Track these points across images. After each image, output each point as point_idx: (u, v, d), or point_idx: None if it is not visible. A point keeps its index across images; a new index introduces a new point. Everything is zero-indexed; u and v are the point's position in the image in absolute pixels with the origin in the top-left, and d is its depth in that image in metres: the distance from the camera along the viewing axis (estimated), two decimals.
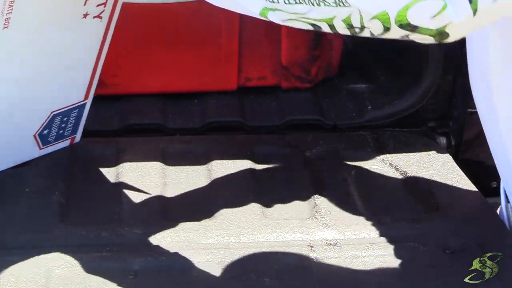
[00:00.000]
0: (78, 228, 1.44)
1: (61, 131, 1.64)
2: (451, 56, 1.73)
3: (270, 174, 1.62)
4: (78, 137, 1.70)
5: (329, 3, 1.08)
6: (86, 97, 1.62)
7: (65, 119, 1.62)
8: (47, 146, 1.65)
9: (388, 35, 1.12)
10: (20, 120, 1.56)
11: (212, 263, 1.36)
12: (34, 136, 1.60)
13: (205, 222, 1.47)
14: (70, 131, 1.66)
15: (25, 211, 1.48)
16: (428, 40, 1.08)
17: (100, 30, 1.53)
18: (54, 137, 1.64)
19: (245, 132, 1.80)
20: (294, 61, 1.92)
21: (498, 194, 1.66)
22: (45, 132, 1.61)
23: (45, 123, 1.59)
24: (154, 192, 1.55)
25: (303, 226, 1.46)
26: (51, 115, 1.59)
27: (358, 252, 1.39)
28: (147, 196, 1.54)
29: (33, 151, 1.63)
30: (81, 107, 1.64)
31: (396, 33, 1.11)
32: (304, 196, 1.55)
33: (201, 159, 1.66)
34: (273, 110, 1.88)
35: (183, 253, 1.38)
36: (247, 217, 1.48)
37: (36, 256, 1.36)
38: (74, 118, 1.64)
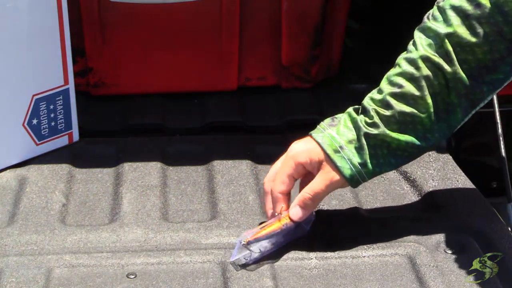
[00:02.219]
0: (78, 228, 1.44)
1: (52, 123, 1.64)
2: None
3: None
4: (75, 135, 1.70)
5: None
6: (66, 81, 1.63)
7: (51, 106, 1.63)
8: (44, 142, 1.65)
9: None
10: (1, 104, 1.56)
11: (212, 263, 1.36)
12: (24, 126, 1.60)
13: (205, 222, 1.47)
14: (63, 125, 1.66)
15: (25, 211, 1.48)
16: None
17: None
18: (47, 130, 1.64)
19: (245, 132, 1.80)
20: (294, 61, 1.92)
21: (498, 194, 1.66)
22: (35, 121, 1.61)
23: (30, 110, 1.59)
24: (154, 192, 1.55)
25: None
26: (33, 99, 1.59)
27: (358, 252, 1.39)
28: (147, 196, 1.54)
29: (30, 148, 1.63)
30: (65, 94, 1.64)
31: None
32: None
33: (201, 159, 1.66)
34: (273, 110, 1.88)
35: (183, 253, 1.38)
36: (247, 217, 1.48)
37: (36, 256, 1.36)
38: (61, 106, 1.64)
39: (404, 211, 1.52)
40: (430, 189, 1.58)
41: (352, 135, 1.36)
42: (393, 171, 1.64)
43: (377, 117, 1.36)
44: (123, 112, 1.85)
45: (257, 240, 1.35)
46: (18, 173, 1.60)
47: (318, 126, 1.42)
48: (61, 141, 1.68)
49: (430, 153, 1.69)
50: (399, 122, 1.36)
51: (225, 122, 1.84)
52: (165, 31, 1.86)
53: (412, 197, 1.57)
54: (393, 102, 1.36)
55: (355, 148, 1.36)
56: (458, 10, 1.33)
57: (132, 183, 1.58)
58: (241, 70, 1.92)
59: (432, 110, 1.36)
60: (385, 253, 1.39)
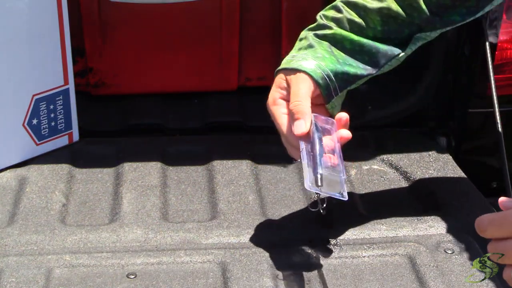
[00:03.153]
0: (78, 228, 1.44)
1: (52, 123, 1.64)
2: (452, 56, 1.73)
3: (270, 174, 1.62)
4: (75, 135, 1.70)
5: None
6: (66, 81, 1.63)
7: (51, 106, 1.63)
8: (44, 142, 1.65)
9: None
10: (1, 104, 1.57)
11: (212, 263, 1.36)
12: (24, 126, 1.61)
13: (205, 222, 1.47)
14: (63, 125, 1.66)
15: (25, 211, 1.48)
16: None
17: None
18: (47, 130, 1.64)
19: (245, 132, 1.80)
20: None
21: (498, 194, 1.66)
22: (35, 121, 1.61)
23: (30, 110, 1.60)
24: (154, 192, 1.55)
25: (304, 226, 1.46)
26: (33, 99, 1.59)
27: (358, 252, 1.39)
28: (147, 196, 1.54)
29: (30, 148, 1.63)
30: (65, 94, 1.64)
31: None
32: (304, 196, 1.55)
33: (201, 159, 1.66)
34: None
35: (183, 253, 1.38)
36: (247, 217, 1.48)
37: (36, 256, 1.36)
38: (61, 106, 1.64)
39: (404, 211, 1.52)
40: (430, 189, 1.58)
41: (301, 44, 1.37)
42: (393, 171, 1.64)
43: (326, 20, 1.36)
44: (123, 112, 1.85)
45: (316, 168, 1.27)
46: (18, 173, 1.60)
47: None
48: (61, 141, 1.68)
49: (430, 153, 1.69)
50: (348, 27, 1.35)
51: (225, 122, 1.84)
52: (165, 31, 1.86)
53: (412, 197, 1.57)
54: (344, 8, 1.36)
55: (305, 48, 1.35)
56: None
57: (132, 183, 1.58)
58: (241, 70, 1.92)
59: (379, 28, 1.36)
60: (385, 253, 1.39)
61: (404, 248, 1.40)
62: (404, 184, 1.61)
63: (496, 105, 1.63)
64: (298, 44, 1.38)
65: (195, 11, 1.84)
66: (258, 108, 1.89)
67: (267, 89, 1.95)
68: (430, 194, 1.56)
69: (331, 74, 1.33)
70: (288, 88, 1.34)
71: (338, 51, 1.35)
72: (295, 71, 1.33)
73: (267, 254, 1.38)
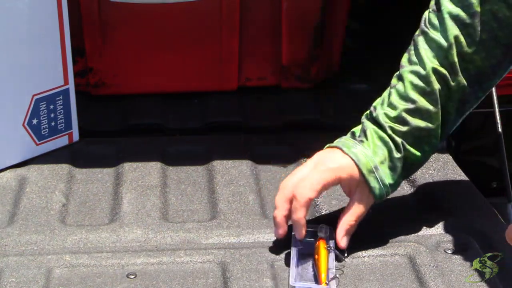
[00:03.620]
0: (78, 228, 1.44)
1: (52, 123, 1.64)
2: None
3: (270, 174, 1.62)
4: (76, 135, 1.70)
5: None
6: (66, 81, 1.63)
7: (51, 106, 1.63)
8: (44, 142, 1.65)
9: None
10: (1, 104, 1.57)
11: (212, 263, 1.36)
12: (24, 126, 1.61)
13: (205, 222, 1.47)
14: (63, 125, 1.66)
15: (25, 211, 1.48)
16: None
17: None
18: (47, 130, 1.64)
19: (245, 132, 1.80)
20: (294, 61, 1.92)
21: (498, 194, 1.66)
22: (35, 121, 1.61)
23: (30, 110, 1.60)
24: (154, 192, 1.55)
25: None
26: (33, 99, 1.59)
27: (358, 252, 1.39)
28: (147, 196, 1.54)
29: (30, 148, 1.63)
30: (65, 94, 1.64)
31: None
32: None
33: (201, 159, 1.66)
34: (273, 110, 1.88)
35: (183, 253, 1.38)
36: (247, 217, 1.48)
37: (36, 256, 1.36)
38: (61, 106, 1.64)
39: (404, 211, 1.52)
40: (430, 189, 1.58)
41: (383, 154, 1.37)
42: None
43: (397, 136, 1.37)
44: (123, 112, 1.85)
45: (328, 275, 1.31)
46: (18, 173, 1.60)
47: (343, 140, 1.40)
48: (61, 141, 1.68)
49: None
50: (414, 137, 1.37)
51: (225, 122, 1.84)
52: (165, 31, 1.86)
53: (412, 197, 1.57)
54: (408, 118, 1.37)
55: (389, 168, 1.37)
56: (456, 19, 1.35)
57: (132, 183, 1.58)
58: (241, 70, 1.92)
59: (440, 121, 1.38)
60: (385, 253, 1.39)
61: (404, 248, 1.40)
62: (404, 184, 1.60)
63: (496, 105, 1.63)
64: (381, 154, 1.37)
65: (195, 11, 1.84)
66: (258, 108, 1.90)
67: (267, 89, 1.96)
68: (430, 194, 1.56)
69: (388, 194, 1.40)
70: (352, 193, 1.39)
71: (408, 170, 1.41)
72: (369, 187, 1.36)
73: (267, 254, 1.38)
